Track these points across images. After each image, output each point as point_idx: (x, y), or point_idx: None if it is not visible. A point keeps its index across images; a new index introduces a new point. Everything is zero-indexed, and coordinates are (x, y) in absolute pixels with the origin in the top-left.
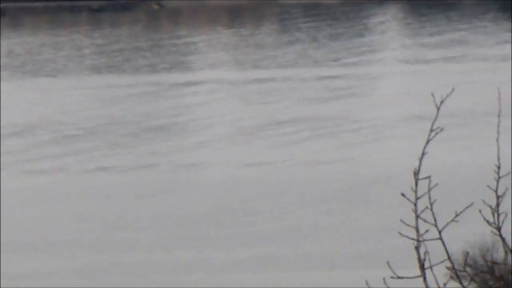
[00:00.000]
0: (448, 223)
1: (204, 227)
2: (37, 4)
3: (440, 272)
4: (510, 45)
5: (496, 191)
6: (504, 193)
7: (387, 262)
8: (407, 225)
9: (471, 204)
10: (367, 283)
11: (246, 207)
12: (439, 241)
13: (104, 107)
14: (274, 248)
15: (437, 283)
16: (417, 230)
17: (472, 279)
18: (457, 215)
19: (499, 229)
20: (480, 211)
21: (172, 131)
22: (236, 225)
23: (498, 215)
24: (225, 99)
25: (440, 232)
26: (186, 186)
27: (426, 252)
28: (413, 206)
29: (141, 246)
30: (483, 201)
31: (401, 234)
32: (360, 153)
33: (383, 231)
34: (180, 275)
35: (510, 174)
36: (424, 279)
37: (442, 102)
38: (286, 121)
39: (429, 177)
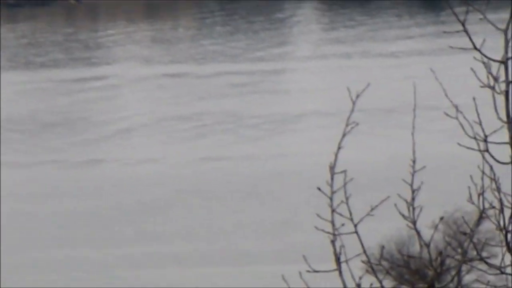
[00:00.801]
0: (363, 217)
1: (99, 225)
2: None
3: (356, 266)
4: (416, 40)
5: (411, 185)
6: (419, 187)
7: (303, 256)
8: (323, 219)
9: (387, 198)
10: (283, 277)
11: (143, 206)
12: (355, 235)
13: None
14: (179, 245)
15: (353, 277)
16: (333, 224)
17: (388, 273)
18: (372, 209)
19: (414, 223)
20: (395, 205)
21: (69, 127)
22: (134, 223)
23: (414, 209)
24: (129, 94)
25: (355, 226)
26: (83, 184)
27: (341, 246)
28: (328, 201)
29: (37, 244)
30: (399, 195)
31: (316, 228)
32: (261, 149)
33: (290, 226)
34: (75, 272)
35: (424, 168)
36: (340, 273)
37: (358, 96)
38: (187, 117)
39: (344, 171)
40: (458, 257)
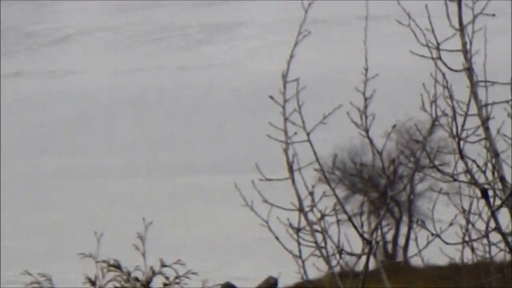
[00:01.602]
0: (316, 125)
1: (64, 134)
2: None
3: (309, 175)
4: None
5: (363, 93)
6: (371, 96)
7: (256, 165)
8: (276, 127)
9: (339, 106)
10: (236, 186)
11: (74, 118)
12: (308, 144)
13: None
14: (110, 157)
15: (305, 185)
16: (286, 133)
17: (340, 181)
18: (325, 117)
19: (367, 131)
20: (348, 113)
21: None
22: (65, 136)
23: (366, 117)
24: (64, 4)
25: (308, 134)
26: (13, 97)
27: (294, 155)
28: (281, 109)
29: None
30: (351, 104)
31: (269, 137)
32: (196, 59)
33: (237, 136)
34: (48, 180)
35: (377, 76)
36: (293, 181)
37: (310, 4)
38: (119, 27)
39: (297, 79)
40: (411, 165)
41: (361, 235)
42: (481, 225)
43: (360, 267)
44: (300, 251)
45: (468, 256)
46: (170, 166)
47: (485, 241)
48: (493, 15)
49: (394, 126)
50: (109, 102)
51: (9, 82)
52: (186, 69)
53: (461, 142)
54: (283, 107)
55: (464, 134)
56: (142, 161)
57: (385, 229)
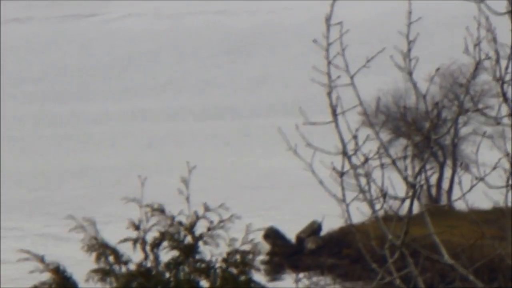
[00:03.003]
0: (359, 69)
1: (106, 77)
2: None
3: (353, 119)
4: None
5: (407, 36)
6: (415, 39)
7: (300, 109)
8: (319, 71)
9: (383, 49)
10: (279, 130)
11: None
12: (351, 88)
13: None
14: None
15: (349, 129)
16: (329, 76)
17: (384, 125)
18: (368, 61)
19: (410, 74)
20: (391, 57)
21: None
22: (115, 77)
23: (410, 60)
24: None
25: (351, 77)
26: (69, 38)
27: (338, 98)
28: (324, 53)
29: (29, 98)
30: (395, 47)
31: (312, 81)
32: (249, 3)
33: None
34: (80, 125)
35: (420, 19)
36: (336, 125)
37: None
38: None
39: (340, 23)
40: (455, 108)
41: (405, 179)
42: None
43: (404, 210)
44: (343, 195)
45: None
46: (213, 110)
47: None
48: None
49: (438, 69)
50: (152, 46)
51: (52, 24)
52: (229, 13)
53: (505, 85)
54: (327, 50)
55: (507, 77)
56: (186, 105)
57: (429, 173)
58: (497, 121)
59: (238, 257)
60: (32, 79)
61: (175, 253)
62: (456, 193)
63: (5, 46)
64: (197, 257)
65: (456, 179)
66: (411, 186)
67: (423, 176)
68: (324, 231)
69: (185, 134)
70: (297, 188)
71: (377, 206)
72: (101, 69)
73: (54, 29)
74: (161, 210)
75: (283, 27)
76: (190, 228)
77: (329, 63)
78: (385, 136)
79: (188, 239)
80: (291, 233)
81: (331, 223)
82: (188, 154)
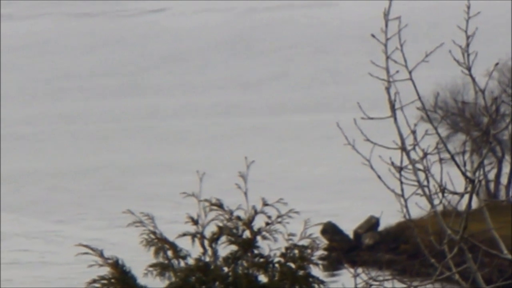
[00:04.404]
0: (418, 63)
1: (156, 74)
2: None
3: (411, 114)
4: None
5: (465, 31)
6: (473, 33)
7: (357, 103)
8: (377, 66)
9: (441, 44)
10: (338, 125)
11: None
12: (410, 82)
13: None
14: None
15: (407, 123)
16: (387, 71)
17: (442, 120)
18: (427, 55)
19: (469, 69)
20: (450, 51)
21: None
22: (194, 71)
23: (468, 55)
24: None
25: (410, 72)
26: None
27: (396, 93)
28: (383, 47)
29: (92, 94)
30: (453, 42)
31: (371, 75)
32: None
33: (342, 75)
34: (135, 120)
35: (479, 14)
36: (395, 120)
37: None
38: None
39: (399, 17)
40: None
41: (464, 174)
42: None
43: (462, 206)
44: (402, 190)
45: None
46: (271, 105)
47: None
48: None
49: (497, 64)
50: (204, 42)
51: (98, 20)
52: (282, 8)
53: None
54: (385, 45)
55: None
56: (244, 101)
57: (487, 168)
58: None
59: (296, 252)
60: (100, 74)
61: (233, 247)
62: None
63: (62, 43)
64: (255, 251)
65: None
66: (470, 181)
67: (481, 171)
68: (381, 227)
69: (243, 129)
70: (355, 183)
71: (436, 201)
72: (158, 64)
73: (116, 25)
74: (220, 205)
75: (338, 20)
76: (249, 223)
77: (387, 58)
78: (443, 131)
79: (247, 233)
80: (348, 229)
81: (389, 219)
82: (246, 149)
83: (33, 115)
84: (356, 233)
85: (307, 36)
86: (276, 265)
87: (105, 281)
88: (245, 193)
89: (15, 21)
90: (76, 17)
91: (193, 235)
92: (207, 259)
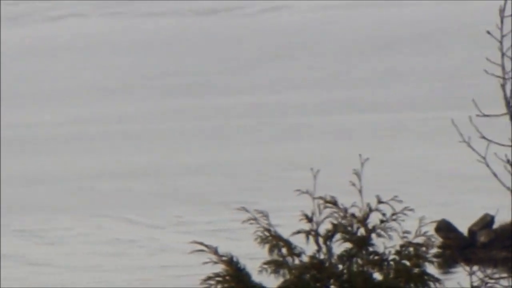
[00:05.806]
0: None
1: (256, 70)
2: None
3: None
4: None
5: None
6: None
7: (473, 101)
8: (493, 63)
9: None
10: (453, 122)
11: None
12: None
13: None
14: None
15: None
16: (503, 68)
17: None
18: None
19: None
20: None
21: None
22: (295, 68)
23: None
24: None
25: None
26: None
27: None
28: (498, 44)
29: (177, 91)
30: None
31: (486, 72)
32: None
33: (455, 73)
34: (246, 118)
35: None
36: (511, 116)
37: None
38: None
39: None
40: None
41: None
42: None
43: None
44: None
45: None
46: (385, 102)
47: None
48: None
49: None
50: (303, 39)
51: (201, 19)
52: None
53: None
54: (501, 42)
55: None
56: (347, 98)
57: None
58: None
59: (411, 249)
60: (185, 73)
61: (348, 245)
62: None
63: (157, 39)
64: (370, 249)
65: None
66: None
67: None
68: (496, 224)
69: (358, 126)
70: (470, 181)
71: None
72: (250, 62)
73: (207, 23)
74: (334, 203)
75: (452, 15)
76: (363, 220)
77: (503, 54)
78: None
79: (361, 231)
80: (463, 226)
81: (504, 216)
82: (360, 146)
83: (140, 112)
84: (470, 230)
85: (400, 34)
86: (391, 262)
87: (219, 278)
88: (360, 191)
89: (140, 17)
90: (197, 15)
91: (308, 233)
92: (322, 256)
